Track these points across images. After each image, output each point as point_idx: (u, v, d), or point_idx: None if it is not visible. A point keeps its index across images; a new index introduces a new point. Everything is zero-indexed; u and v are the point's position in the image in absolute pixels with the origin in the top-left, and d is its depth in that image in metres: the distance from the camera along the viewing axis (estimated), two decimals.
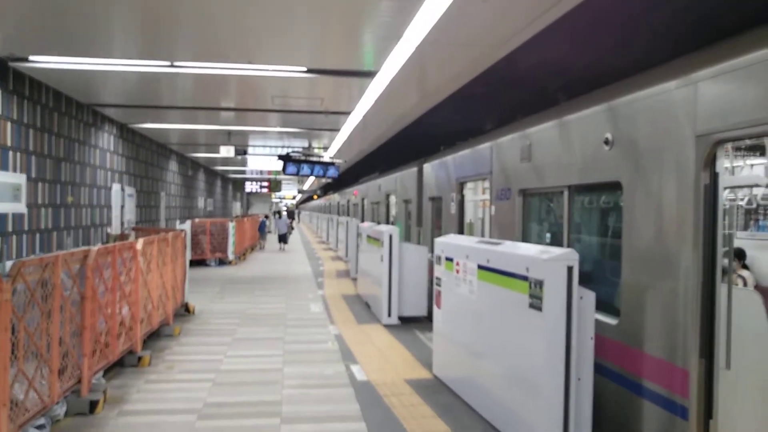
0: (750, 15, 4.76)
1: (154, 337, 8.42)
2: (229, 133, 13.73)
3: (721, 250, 3.71)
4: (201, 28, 6.25)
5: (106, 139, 12.81)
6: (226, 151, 14.21)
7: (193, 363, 7.28)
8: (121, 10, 5.81)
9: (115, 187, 13.42)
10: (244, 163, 24.22)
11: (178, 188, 21.19)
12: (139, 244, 7.37)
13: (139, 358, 7.11)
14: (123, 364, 6.98)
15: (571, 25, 5.71)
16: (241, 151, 14.76)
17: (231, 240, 19.35)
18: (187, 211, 23.14)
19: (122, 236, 12.58)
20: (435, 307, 6.76)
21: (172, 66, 7.66)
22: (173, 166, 20.30)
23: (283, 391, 6.23)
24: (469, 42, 5.85)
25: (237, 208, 43.57)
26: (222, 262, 19.26)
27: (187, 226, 17.49)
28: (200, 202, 26.50)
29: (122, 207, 13.86)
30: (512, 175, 6.87)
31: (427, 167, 11.25)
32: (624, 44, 6.76)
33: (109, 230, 12.74)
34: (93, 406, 5.48)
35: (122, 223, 13.81)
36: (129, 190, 14.51)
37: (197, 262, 18.43)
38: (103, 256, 6.14)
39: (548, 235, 6.51)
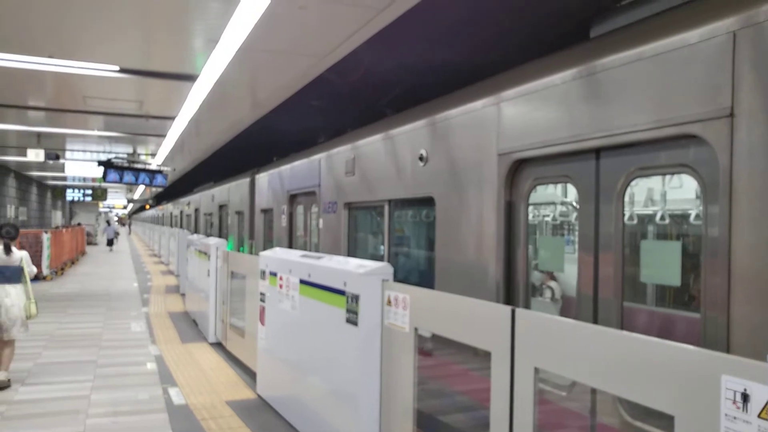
0: (551, 42, 5.13)
1: None
2: (39, 134, 12.39)
3: (522, 263, 3.88)
4: None
5: None
6: (35, 155, 12.83)
7: None
8: None
9: None
10: (63, 169, 22.11)
11: None
12: None
13: None
14: None
15: (391, 40, 5.80)
16: (53, 156, 13.38)
17: (46, 253, 17.60)
18: None
19: None
20: (259, 324, 6.51)
21: None
22: None
23: (88, 420, 5.66)
24: (291, 50, 5.73)
25: (58, 217, 40.04)
26: (36, 277, 17.48)
27: None
28: (10, 211, 23.87)
29: None
30: (338, 188, 6.85)
31: (260, 178, 10.95)
32: (444, 62, 7.03)
33: None
34: None
35: None
36: None
37: None
38: None
39: (371, 248, 6.55)
